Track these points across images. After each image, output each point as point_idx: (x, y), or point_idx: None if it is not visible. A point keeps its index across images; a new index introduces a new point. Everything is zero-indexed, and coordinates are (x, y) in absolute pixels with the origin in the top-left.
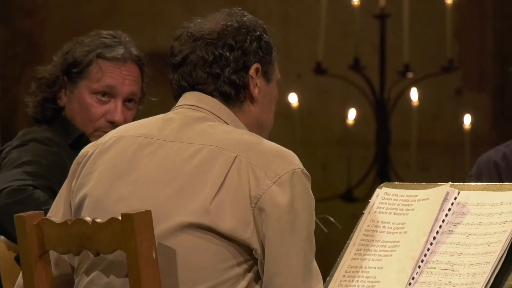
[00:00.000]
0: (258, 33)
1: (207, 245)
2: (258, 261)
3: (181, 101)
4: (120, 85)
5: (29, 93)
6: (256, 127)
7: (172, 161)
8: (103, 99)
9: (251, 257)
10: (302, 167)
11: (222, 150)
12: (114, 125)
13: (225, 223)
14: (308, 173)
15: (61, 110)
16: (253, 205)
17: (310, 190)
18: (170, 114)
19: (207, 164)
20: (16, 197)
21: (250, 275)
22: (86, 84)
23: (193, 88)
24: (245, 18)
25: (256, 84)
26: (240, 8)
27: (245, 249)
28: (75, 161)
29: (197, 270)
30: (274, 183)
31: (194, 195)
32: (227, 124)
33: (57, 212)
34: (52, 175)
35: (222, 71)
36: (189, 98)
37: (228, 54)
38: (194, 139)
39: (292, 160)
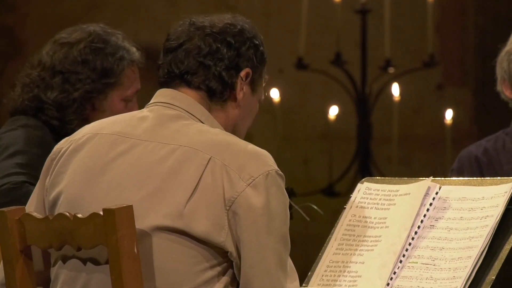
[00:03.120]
0: (257, 42)
1: (181, 249)
2: (234, 263)
3: (155, 98)
4: (139, 86)
5: (76, 105)
6: (232, 130)
7: (145, 162)
8: (129, 101)
9: (226, 260)
10: (276, 167)
11: (196, 152)
12: None
13: (199, 226)
14: (282, 174)
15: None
16: (227, 207)
17: (284, 190)
18: (144, 111)
19: (181, 165)
20: (12, 196)
21: (225, 278)
22: (119, 92)
23: (181, 76)
24: (247, 26)
25: (243, 89)
26: (244, 18)
27: (220, 251)
28: (49, 158)
29: (171, 273)
30: (249, 185)
31: (168, 198)
32: (202, 122)
33: (29, 209)
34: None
35: (215, 64)
36: (164, 95)
37: (225, 50)
38: (168, 138)
39: (266, 161)
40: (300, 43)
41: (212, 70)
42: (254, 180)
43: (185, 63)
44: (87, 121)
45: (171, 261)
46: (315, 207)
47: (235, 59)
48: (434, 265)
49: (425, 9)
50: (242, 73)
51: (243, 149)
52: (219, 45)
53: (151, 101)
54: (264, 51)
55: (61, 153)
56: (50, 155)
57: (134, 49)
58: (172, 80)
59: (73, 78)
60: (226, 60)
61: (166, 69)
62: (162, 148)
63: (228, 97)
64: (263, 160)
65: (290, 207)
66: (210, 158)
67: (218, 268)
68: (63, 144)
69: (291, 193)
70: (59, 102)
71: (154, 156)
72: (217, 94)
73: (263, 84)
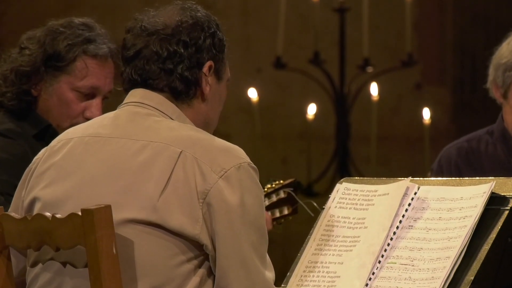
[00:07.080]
0: (212, 30)
1: (157, 242)
2: (210, 256)
3: (127, 98)
4: (103, 85)
5: (4, 83)
6: (203, 124)
7: (117, 157)
8: (84, 96)
9: (202, 253)
10: (249, 160)
11: (167, 146)
12: None
13: (173, 219)
14: (255, 166)
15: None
16: (201, 200)
17: (259, 183)
18: (116, 111)
19: (152, 160)
20: None
21: (202, 270)
22: (69, 79)
23: (144, 82)
24: (199, 14)
25: (208, 82)
26: (193, 2)
27: (195, 244)
28: (27, 169)
29: (147, 267)
30: (220, 177)
31: (141, 191)
32: (172, 119)
33: None
34: (12, 169)
35: (175, 67)
36: (134, 95)
37: (182, 50)
38: (139, 135)
39: (238, 154)
40: (278, 42)
41: (174, 72)
42: (225, 172)
43: (146, 70)
44: (31, 99)
45: (147, 254)
46: (316, 205)
47: (195, 55)
48: (413, 265)
49: (403, 8)
50: (205, 69)
51: (214, 143)
52: (176, 48)
53: (123, 102)
54: (222, 36)
55: (36, 162)
56: (29, 166)
57: (103, 46)
58: (135, 87)
59: (24, 52)
60: (186, 60)
61: (128, 79)
62: (133, 144)
63: (195, 95)
64: (234, 153)
65: (295, 201)
66: (181, 152)
67: (195, 261)
68: (41, 154)
69: (298, 186)
70: (3, 74)
71: (125, 151)
72: (182, 94)
73: (227, 66)
